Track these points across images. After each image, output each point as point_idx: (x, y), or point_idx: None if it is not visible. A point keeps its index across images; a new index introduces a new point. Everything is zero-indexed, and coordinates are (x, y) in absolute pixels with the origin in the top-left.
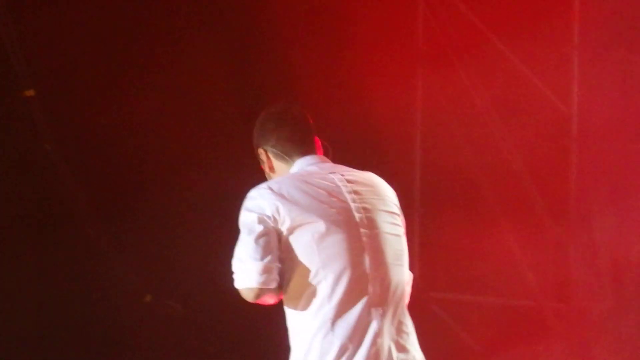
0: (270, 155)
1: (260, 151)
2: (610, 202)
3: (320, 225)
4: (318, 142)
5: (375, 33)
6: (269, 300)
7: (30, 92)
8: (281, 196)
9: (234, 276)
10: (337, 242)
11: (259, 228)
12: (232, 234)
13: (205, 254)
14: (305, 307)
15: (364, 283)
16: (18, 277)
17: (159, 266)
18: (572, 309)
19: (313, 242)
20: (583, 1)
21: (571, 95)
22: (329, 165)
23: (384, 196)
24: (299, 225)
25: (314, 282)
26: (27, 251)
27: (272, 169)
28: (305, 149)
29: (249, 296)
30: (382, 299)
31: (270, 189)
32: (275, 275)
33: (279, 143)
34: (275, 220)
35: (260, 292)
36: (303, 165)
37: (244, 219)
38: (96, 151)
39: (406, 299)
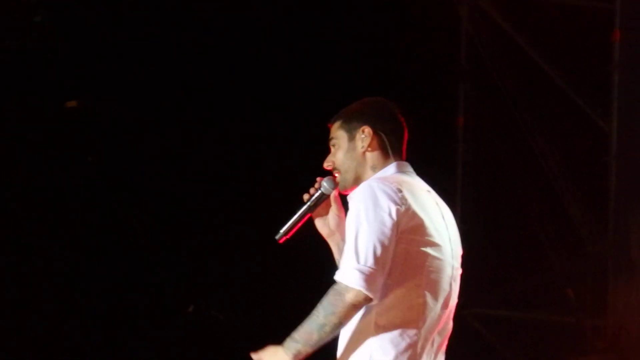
0: (376, 141)
1: (367, 130)
2: None
3: (433, 246)
4: None
5: (417, 48)
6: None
7: (72, 103)
8: (412, 198)
9: (343, 269)
10: (439, 267)
11: (389, 220)
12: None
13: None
14: (395, 324)
15: (448, 314)
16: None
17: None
18: (611, 325)
19: (425, 261)
20: (624, 22)
21: (611, 113)
22: (421, 181)
23: (455, 226)
24: (418, 239)
25: (415, 301)
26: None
27: (371, 149)
28: (401, 155)
29: (347, 296)
30: (446, 331)
31: (399, 189)
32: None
33: (392, 135)
34: (400, 220)
35: (364, 298)
36: (399, 169)
37: (372, 205)
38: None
39: None
